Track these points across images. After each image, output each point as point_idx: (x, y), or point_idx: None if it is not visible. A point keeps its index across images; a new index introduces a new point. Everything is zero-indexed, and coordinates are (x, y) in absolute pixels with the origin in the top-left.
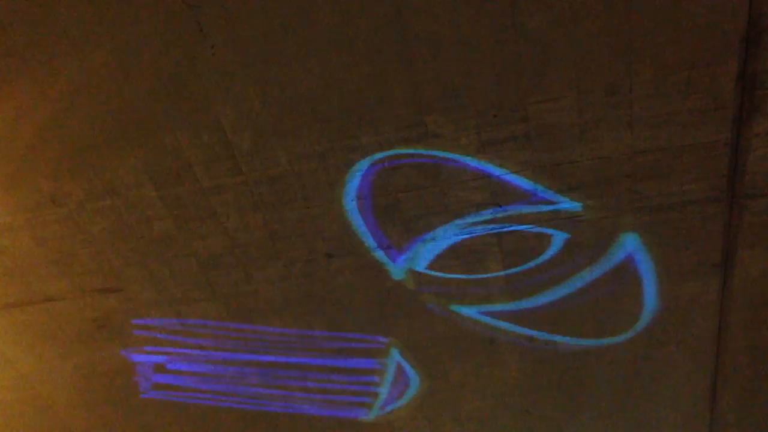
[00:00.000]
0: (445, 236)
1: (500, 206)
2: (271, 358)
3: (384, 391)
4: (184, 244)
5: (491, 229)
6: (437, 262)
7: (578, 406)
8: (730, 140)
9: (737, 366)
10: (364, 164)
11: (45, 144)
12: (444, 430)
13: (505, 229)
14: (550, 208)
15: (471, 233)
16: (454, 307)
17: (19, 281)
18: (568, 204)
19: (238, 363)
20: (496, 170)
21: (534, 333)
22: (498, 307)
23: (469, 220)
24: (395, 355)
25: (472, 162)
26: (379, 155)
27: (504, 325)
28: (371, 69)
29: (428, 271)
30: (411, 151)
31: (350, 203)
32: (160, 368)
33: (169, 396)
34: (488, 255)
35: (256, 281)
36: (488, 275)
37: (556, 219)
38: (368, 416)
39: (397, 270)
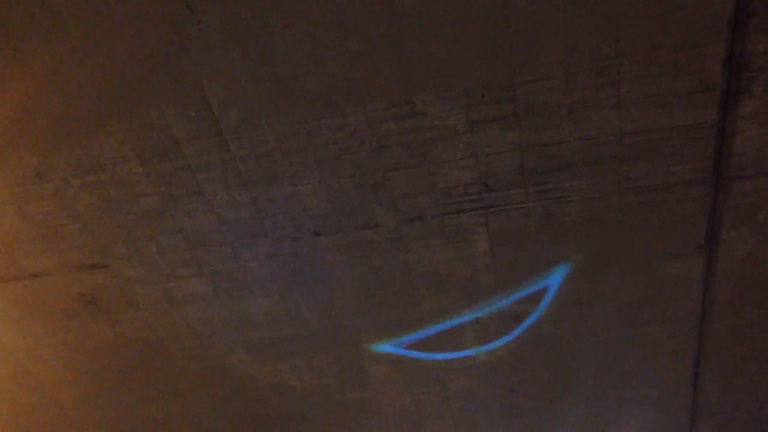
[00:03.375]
0: (433, 215)
1: (488, 186)
2: (258, 334)
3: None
4: (171, 220)
5: (478, 209)
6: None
7: (563, 385)
8: (717, 122)
9: (720, 346)
10: None
11: (30, 117)
12: (431, 407)
13: (492, 209)
14: (537, 188)
15: (458, 212)
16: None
17: (5, 257)
18: (554, 185)
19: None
20: (483, 150)
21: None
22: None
23: (457, 199)
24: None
25: (460, 142)
26: None
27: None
28: (360, 46)
29: None
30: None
31: None
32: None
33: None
34: (475, 234)
35: (243, 258)
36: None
37: (543, 199)
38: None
39: None
